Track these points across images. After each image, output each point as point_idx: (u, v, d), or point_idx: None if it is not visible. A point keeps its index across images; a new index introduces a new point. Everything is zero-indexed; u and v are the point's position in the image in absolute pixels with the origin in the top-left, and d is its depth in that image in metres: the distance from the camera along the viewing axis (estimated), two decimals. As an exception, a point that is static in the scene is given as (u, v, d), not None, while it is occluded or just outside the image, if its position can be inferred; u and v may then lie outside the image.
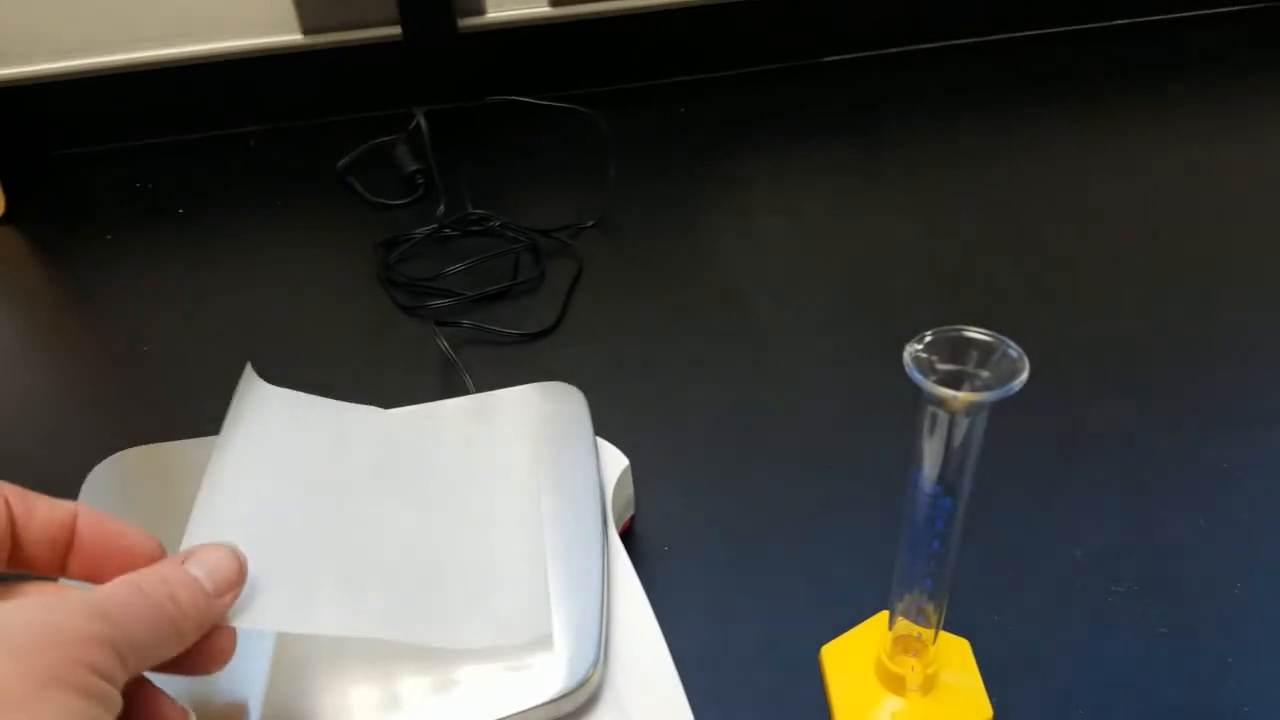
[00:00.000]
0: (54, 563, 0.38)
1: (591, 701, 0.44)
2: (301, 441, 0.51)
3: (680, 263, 0.80)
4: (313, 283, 0.80)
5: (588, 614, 0.46)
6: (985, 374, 0.36)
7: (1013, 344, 0.36)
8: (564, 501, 0.51)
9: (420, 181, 0.88)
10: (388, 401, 0.57)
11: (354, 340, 0.74)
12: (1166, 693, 0.49)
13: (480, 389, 0.61)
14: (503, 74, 0.99)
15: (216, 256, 0.84)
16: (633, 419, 0.64)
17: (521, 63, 1.00)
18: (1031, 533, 0.57)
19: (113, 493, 0.54)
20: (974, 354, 0.36)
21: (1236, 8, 1.10)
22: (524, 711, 0.42)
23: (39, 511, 0.38)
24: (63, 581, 0.40)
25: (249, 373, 0.52)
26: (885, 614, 0.49)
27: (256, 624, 0.40)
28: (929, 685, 0.47)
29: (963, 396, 0.35)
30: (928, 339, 0.36)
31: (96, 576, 0.39)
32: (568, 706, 0.43)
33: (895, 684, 0.47)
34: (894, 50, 1.07)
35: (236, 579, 0.39)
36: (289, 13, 0.93)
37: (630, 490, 0.56)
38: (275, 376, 0.53)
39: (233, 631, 0.39)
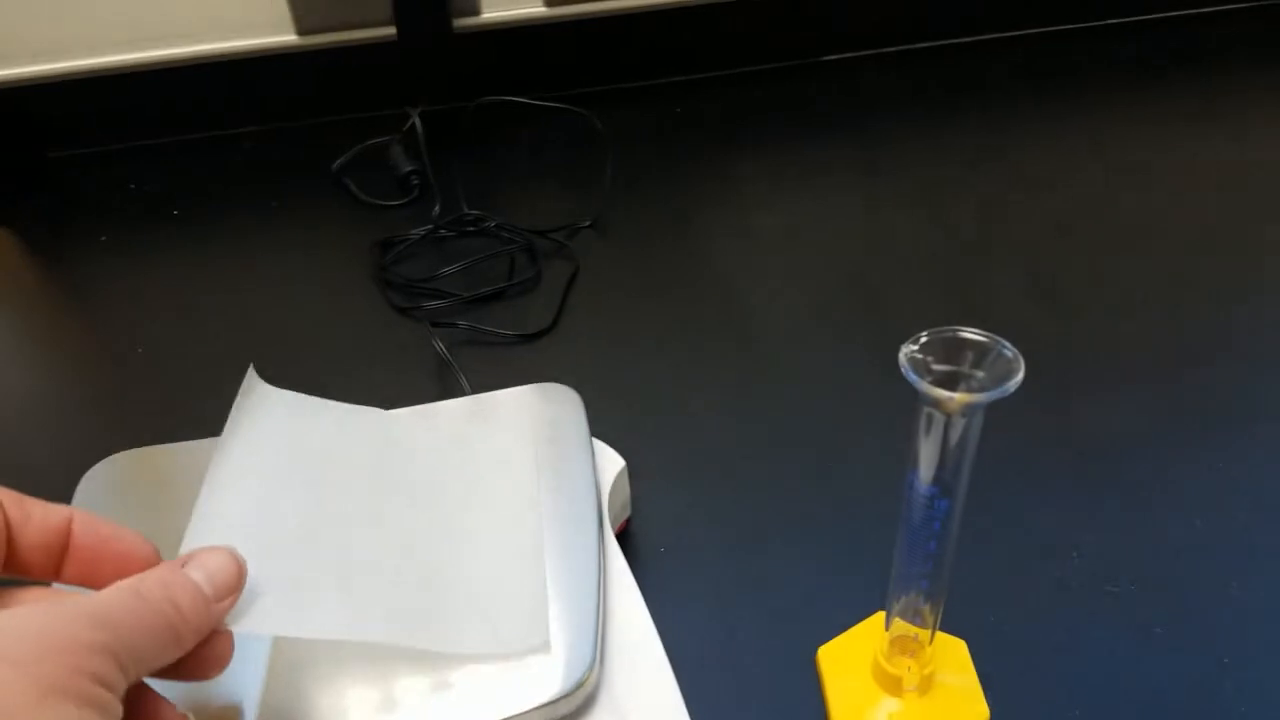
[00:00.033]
0: (49, 568, 0.38)
1: (588, 703, 0.44)
2: (302, 444, 0.51)
3: (676, 263, 0.80)
4: (308, 284, 0.80)
5: (584, 616, 0.45)
6: (981, 374, 0.36)
7: (1008, 344, 0.36)
8: (560, 503, 0.50)
9: (415, 182, 0.88)
10: (383, 403, 0.57)
11: (349, 341, 0.74)
12: (1163, 693, 0.49)
13: (476, 390, 0.61)
14: (498, 74, 0.99)
15: (211, 257, 0.83)
16: (629, 420, 0.64)
17: (517, 63, 1.00)
18: (1028, 533, 0.57)
19: (107, 496, 0.54)
20: (969, 354, 0.36)
21: (1234, 6, 1.10)
22: (521, 714, 0.42)
23: (34, 516, 0.38)
24: (56, 586, 0.39)
25: (251, 375, 0.52)
26: (882, 615, 0.49)
27: (255, 628, 0.40)
28: (926, 686, 0.47)
29: (958, 398, 0.35)
30: (923, 340, 0.36)
31: (92, 581, 0.38)
32: (564, 708, 0.43)
33: (892, 685, 0.47)
34: (890, 50, 1.07)
35: (236, 583, 0.39)
36: (284, 13, 0.93)
37: (627, 491, 0.56)
38: (271, 377, 0.53)
39: (230, 636, 0.38)
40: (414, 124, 0.88)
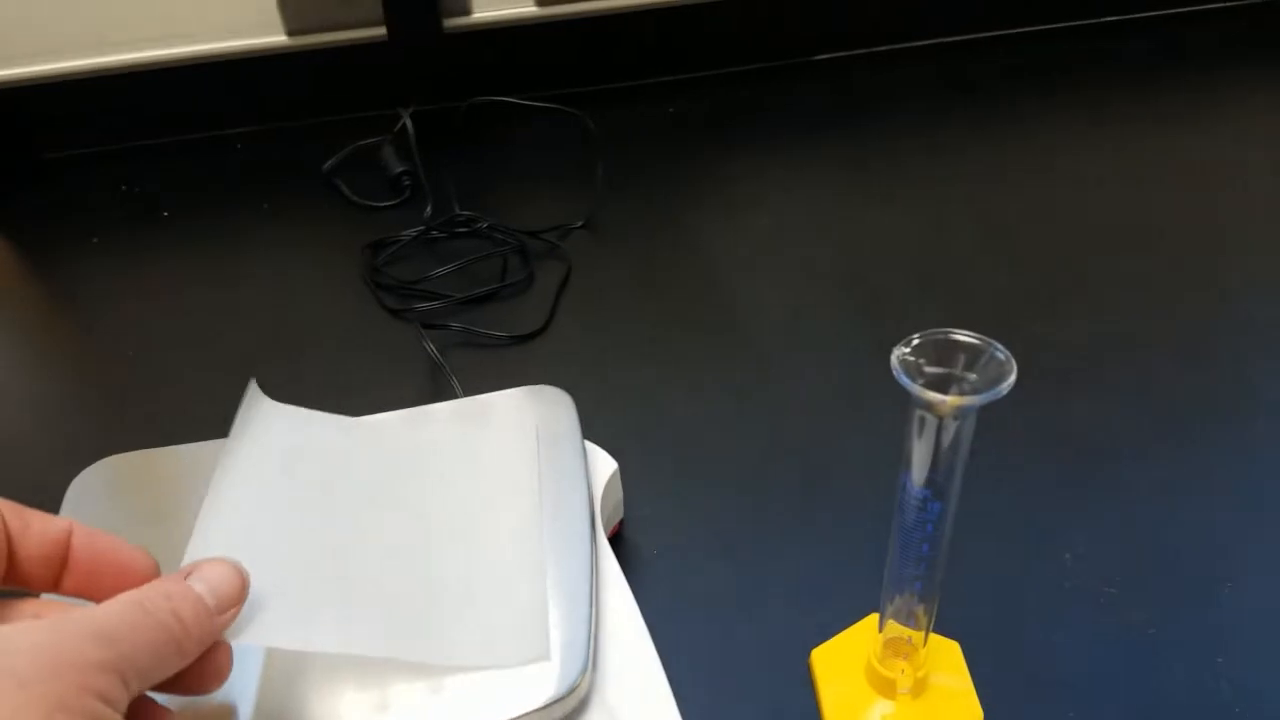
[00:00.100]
0: (48, 579, 0.38)
1: (581, 707, 0.44)
2: (303, 457, 0.51)
3: (669, 263, 0.79)
4: (299, 285, 0.80)
5: (577, 620, 0.45)
6: (973, 377, 0.36)
7: (1000, 347, 0.36)
8: (553, 506, 0.50)
9: (407, 183, 0.88)
10: (375, 406, 0.56)
11: (341, 343, 0.73)
12: (1157, 694, 0.49)
13: (468, 392, 0.61)
14: (489, 74, 0.99)
15: (202, 259, 0.83)
16: (622, 422, 0.64)
17: (508, 63, 1.00)
18: (1021, 535, 0.57)
19: (98, 500, 0.54)
20: (962, 357, 0.36)
21: (1229, 3, 1.10)
22: (514, 719, 0.42)
23: (34, 527, 0.38)
24: (47, 597, 0.39)
25: (253, 388, 0.53)
26: (875, 617, 0.49)
27: (255, 641, 0.40)
28: (919, 688, 0.47)
29: (950, 400, 0.35)
30: (915, 342, 0.36)
31: (90, 593, 0.39)
32: (558, 713, 0.43)
33: (886, 687, 0.47)
34: (882, 49, 1.07)
35: (239, 595, 0.39)
36: (273, 14, 0.93)
37: (619, 494, 0.56)
38: (263, 379, 0.53)
39: (229, 649, 0.38)
40: (405, 124, 0.88)
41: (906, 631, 0.45)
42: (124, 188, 0.92)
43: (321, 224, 0.86)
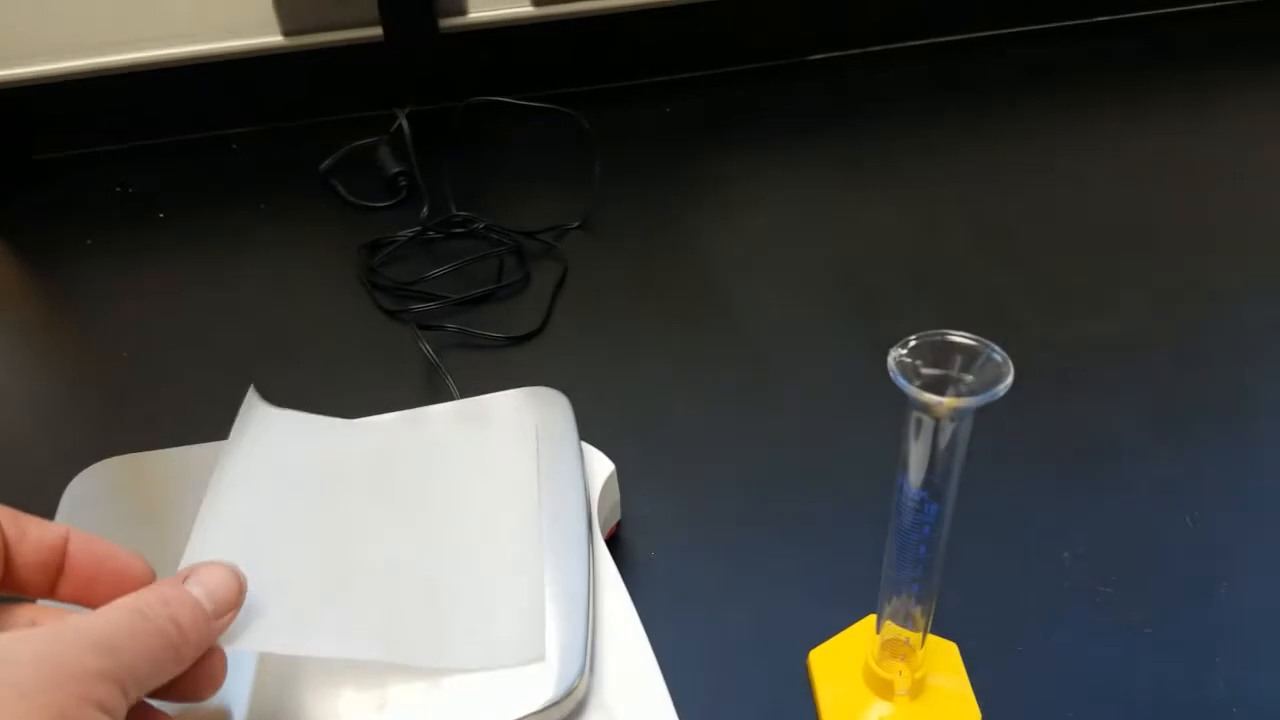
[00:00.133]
0: (44, 585, 0.38)
1: (579, 709, 0.44)
2: (300, 462, 0.51)
3: (665, 264, 0.79)
4: (296, 286, 0.79)
5: (574, 622, 0.45)
6: (970, 379, 0.36)
7: (997, 348, 0.36)
8: (550, 508, 0.50)
9: (403, 183, 0.88)
10: (371, 408, 0.56)
11: (337, 344, 0.73)
12: (1154, 694, 0.49)
13: (465, 394, 0.61)
14: (485, 74, 0.99)
15: (199, 259, 0.83)
16: (618, 423, 0.63)
17: (504, 63, 1.00)
18: (1019, 535, 0.57)
19: (94, 503, 0.54)
20: (958, 358, 0.36)
21: (1221, 3, 1.10)
22: (511, 721, 0.42)
23: (30, 534, 0.38)
24: (43, 603, 0.39)
25: (252, 394, 0.53)
26: (873, 618, 0.49)
27: (250, 647, 0.40)
28: (917, 690, 0.47)
29: (947, 402, 0.35)
30: (911, 344, 0.36)
31: (87, 600, 0.39)
32: (556, 715, 0.43)
33: (883, 689, 0.47)
34: (876, 48, 1.07)
35: (236, 599, 0.39)
36: (269, 14, 0.93)
37: (616, 496, 0.56)
38: (259, 381, 0.53)
39: (224, 655, 0.38)
40: (401, 125, 0.88)
41: (904, 633, 0.45)
42: (119, 189, 0.92)
43: (318, 224, 0.86)
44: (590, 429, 0.56)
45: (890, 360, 0.36)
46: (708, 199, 0.86)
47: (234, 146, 0.98)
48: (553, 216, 0.83)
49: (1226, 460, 0.61)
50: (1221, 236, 0.79)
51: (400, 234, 0.82)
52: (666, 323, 0.74)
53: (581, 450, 0.54)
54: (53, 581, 0.38)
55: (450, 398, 0.64)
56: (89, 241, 0.86)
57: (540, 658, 0.44)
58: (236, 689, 0.44)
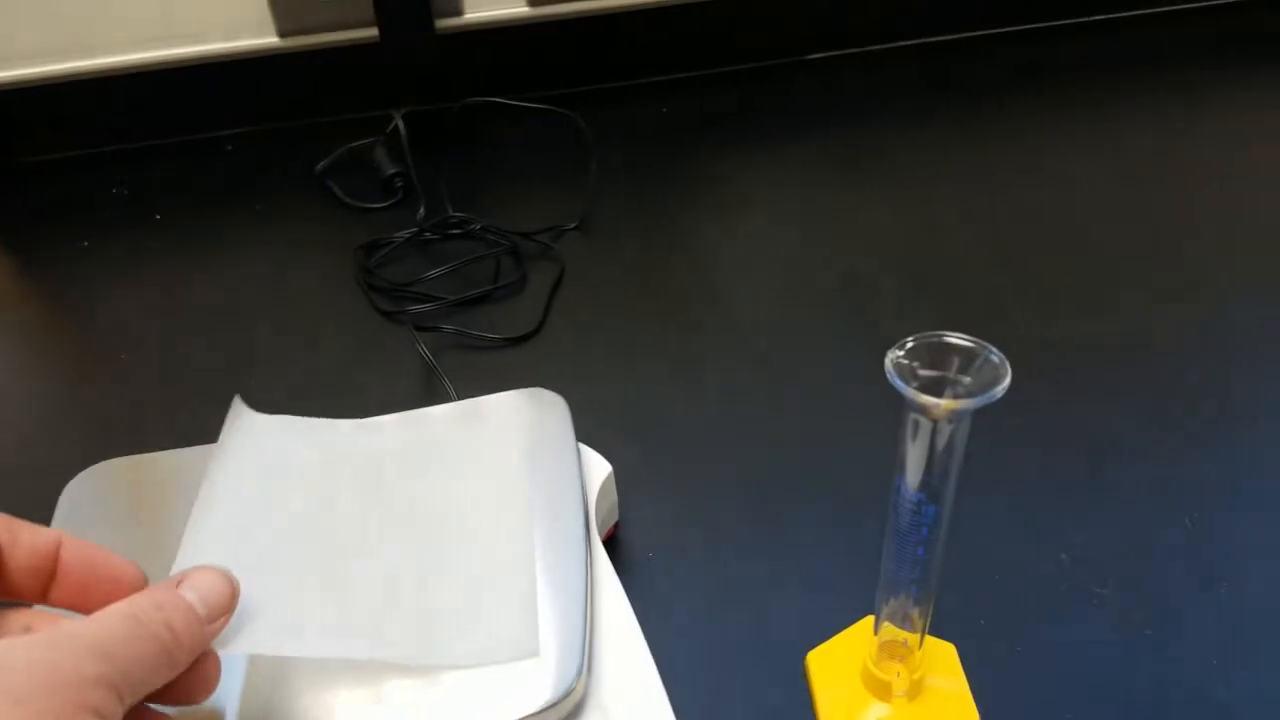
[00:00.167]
0: (37, 590, 0.38)
1: (576, 711, 0.44)
2: (289, 464, 0.51)
3: (662, 264, 0.79)
4: (292, 287, 0.79)
5: (572, 623, 0.45)
6: (967, 380, 0.36)
7: (995, 350, 0.35)
8: (547, 509, 0.50)
9: (399, 184, 0.88)
10: (368, 409, 0.56)
11: (333, 345, 0.73)
12: (1153, 695, 0.49)
13: (462, 395, 0.61)
14: (481, 75, 0.99)
15: (194, 262, 0.83)
16: (616, 424, 0.63)
17: (500, 63, 1.00)
18: (1017, 536, 0.57)
19: (91, 505, 0.54)
20: (956, 360, 0.36)
21: (1215, 3, 1.10)
22: (509, 723, 0.42)
23: (23, 539, 0.38)
24: (37, 608, 0.39)
25: (237, 403, 0.53)
26: (871, 619, 0.49)
27: (244, 650, 0.40)
28: (915, 691, 0.47)
29: (945, 404, 0.35)
30: (909, 345, 0.36)
31: (79, 605, 0.39)
32: (553, 717, 0.43)
33: (881, 690, 0.47)
34: (873, 48, 1.07)
35: (229, 603, 0.39)
36: (265, 15, 0.93)
37: (614, 497, 0.56)
38: (255, 382, 0.53)
39: (217, 659, 0.39)
40: (397, 125, 0.88)
41: (902, 634, 0.45)
42: (114, 191, 0.92)
43: (314, 225, 0.86)
44: (588, 430, 0.56)
45: (887, 362, 0.36)
46: (704, 199, 0.86)
47: (230, 147, 0.98)
48: (549, 217, 0.83)
49: (1225, 460, 0.61)
50: (1219, 235, 0.79)
51: (397, 235, 0.82)
52: (663, 323, 0.74)
53: (579, 451, 0.54)
54: (45, 587, 0.38)
55: (447, 399, 0.64)
56: (86, 243, 0.85)
57: (534, 653, 0.44)
58: (228, 688, 0.44)
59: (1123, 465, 0.61)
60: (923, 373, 0.36)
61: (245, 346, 0.73)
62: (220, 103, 0.98)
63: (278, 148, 0.97)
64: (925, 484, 0.38)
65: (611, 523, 0.57)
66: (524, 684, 0.43)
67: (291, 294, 0.79)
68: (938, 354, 0.36)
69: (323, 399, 0.57)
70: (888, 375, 0.35)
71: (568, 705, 0.43)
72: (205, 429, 0.54)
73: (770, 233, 0.82)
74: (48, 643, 0.32)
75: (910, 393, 0.35)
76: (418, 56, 0.96)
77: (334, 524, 0.48)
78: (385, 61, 0.96)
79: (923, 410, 0.36)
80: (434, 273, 0.77)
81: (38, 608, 0.39)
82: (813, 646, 0.51)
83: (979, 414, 0.35)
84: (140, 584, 0.39)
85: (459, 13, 0.96)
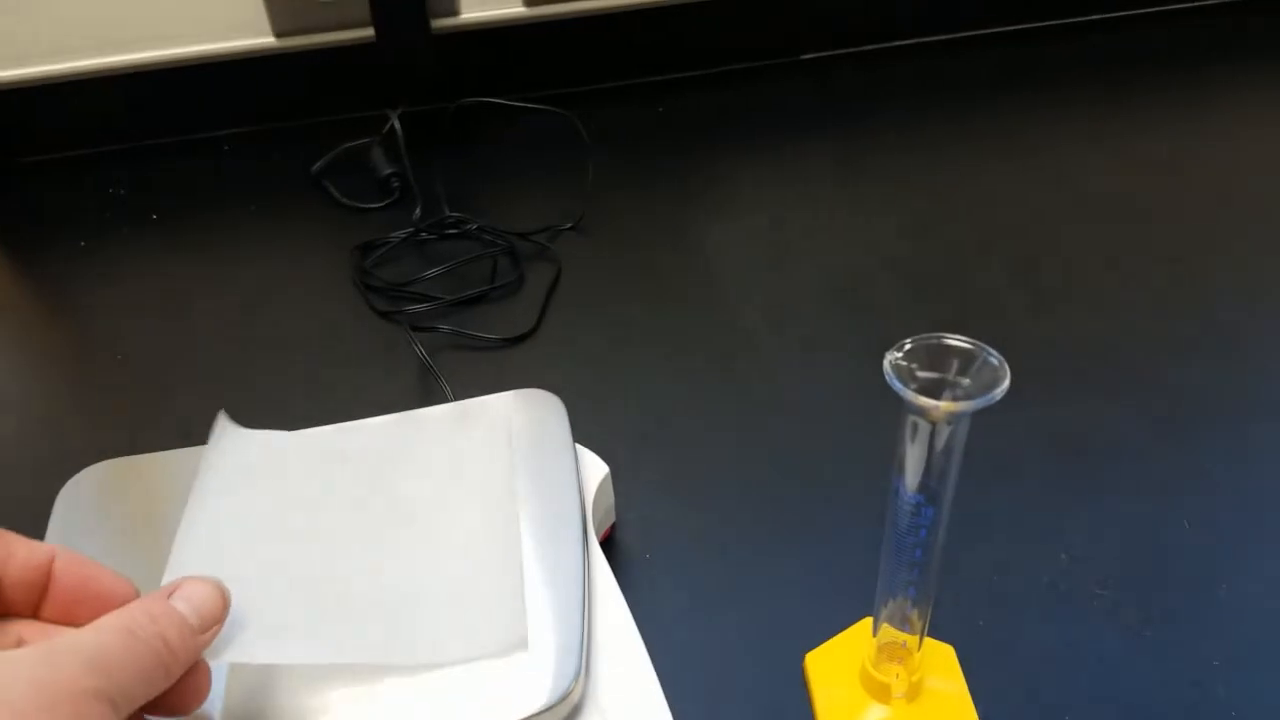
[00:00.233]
0: (29, 605, 0.39)
1: (574, 713, 0.44)
2: (277, 471, 0.51)
3: (659, 264, 0.79)
4: (288, 288, 0.79)
5: (569, 625, 0.45)
6: (966, 382, 0.36)
7: (993, 352, 0.35)
8: (544, 510, 0.50)
9: (395, 185, 0.88)
10: (365, 409, 0.56)
11: (330, 346, 0.73)
12: (1153, 696, 0.49)
13: (458, 395, 0.61)
14: (478, 75, 0.99)
15: (191, 262, 0.83)
16: (613, 425, 0.63)
17: (497, 63, 1.00)
18: (1016, 537, 0.57)
19: (89, 506, 0.54)
20: (954, 362, 0.36)
21: (1209, 3, 1.10)
22: (506, 727, 0.42)
23: (17, 554, 0.38)
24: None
25: (222, 418, 0.53)
26: (869, 621, 0.48)
27: (235, 659, 0.40)
28: (914, 692, 0.47)
29: (943, 406, 0.35)
30: (907, 347, 0.36)
31: (70, 620, 0.39)
32: (551, 719, 0.43)
33: (880, 692, 0.47)
34: (870, 48, 1.07)
35: (221, 613, 0.40)
36: (261, 15, 0.92)
37: (611, 498, 0.56)
38: (251, 382, 0.53)
39: (208, 669, 0.39)
40: (394, 126, 0.87)
41: (901, 636, 0.45)
42: (110, 191, 0.92)
43: (310, 226, 0.86)
44: (585, 430, 0.55)
45: (886, 364, 0.35)
46: (700, 198, 0.86)
47: (226, 148, 0.97)
48: (546, 217, 0.83)
49: (1226, 460, 0.61)
50: (1220, 237, 0.79)
51: (393, 235, 0.81)
52: (661, 324, 0.73)
53: (576, 452, 0.54)
54: (37, 601, 0.38)
55: (444, 399, 0.64)
56: (82, 243, 0.85)
57: (522, 645, 0.44)
58: (215, 690, 0.43)
59: (1123, 465, 0.61)
60: (921, 374, 0.36)
61: (241, 347, 0.73)
62: (217, 103, 0.97)
63: (274, 148, 0.97)
64: (924, 486, 0.38)
65: (609, 524, 0.57)
66: (521, 686, 0.43)
67: (288, 294, 0.78)
68: (936, 356, 0.36)
69: (319, 399, 0.57)
70: (886, 377, 0.35)
71: (565, 707, 0.43)
72: (202, 430, 0.54)
73: (768, 231, 0.82)
74: (45, 656, 0.32)
75: (909, 395, 0.35)
76: (414, 57, 0.96)
77: (323, 529, 0.48)
78: (381, 62, 0.95)
79: (921, 412, 0.36)
80: (430, 273, 0.77)
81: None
82: (811, 648, 0.51)
83: (978, 414, 0.35)
84: (132, 600, 0.39)
85: (455, 13, 0.96)
